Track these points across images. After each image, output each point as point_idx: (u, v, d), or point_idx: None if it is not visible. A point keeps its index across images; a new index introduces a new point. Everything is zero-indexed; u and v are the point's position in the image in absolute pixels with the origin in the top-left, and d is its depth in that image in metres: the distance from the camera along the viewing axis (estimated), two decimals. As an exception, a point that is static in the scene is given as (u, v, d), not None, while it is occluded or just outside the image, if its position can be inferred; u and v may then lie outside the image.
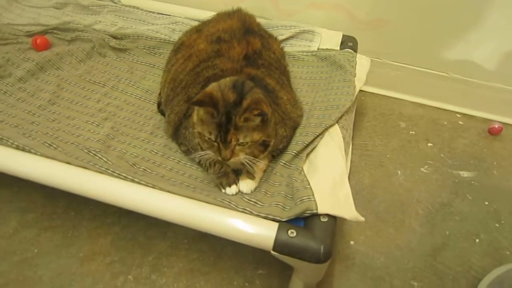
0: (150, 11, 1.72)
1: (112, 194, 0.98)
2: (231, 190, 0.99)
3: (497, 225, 1.34)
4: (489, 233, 1.31)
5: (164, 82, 1.26)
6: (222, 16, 1.32)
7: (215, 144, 0.92)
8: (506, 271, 1.13)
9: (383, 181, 1.46)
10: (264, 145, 0.97)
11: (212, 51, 1.16)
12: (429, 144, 1.63)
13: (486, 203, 1.41)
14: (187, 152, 1.10)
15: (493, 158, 1.58)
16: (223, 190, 1.00)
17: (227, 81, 0.94)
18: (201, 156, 0.99)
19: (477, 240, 1.28)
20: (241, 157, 0.94)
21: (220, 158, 0.93)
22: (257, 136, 0.93)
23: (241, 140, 0.91)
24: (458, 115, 1.78)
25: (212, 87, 0.93)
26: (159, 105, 1.30)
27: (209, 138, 0.92)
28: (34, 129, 1.15)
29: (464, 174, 1.51)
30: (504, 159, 1.58)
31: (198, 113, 0.94)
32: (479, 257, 1.24)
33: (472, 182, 1.48)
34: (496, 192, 1.44)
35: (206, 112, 0.91)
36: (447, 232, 1.30)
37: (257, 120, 0.91)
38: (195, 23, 1.49)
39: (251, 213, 0.92)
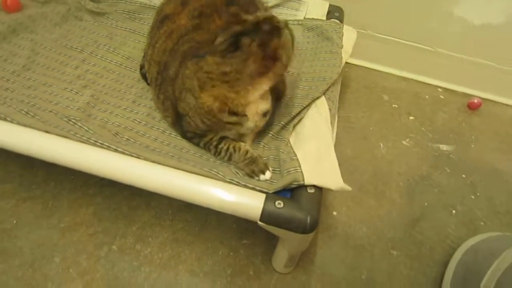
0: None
1: (95, 164, 0.95)
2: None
3: (472, 197, 1.39)
4: (465, 204, 1.36)
5: (149, 58, 1.16)
6: None
7: None
8: (481, 240, 1.17)
9: (366, 153, 1.48)
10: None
11: (191, 26, 1.11)
12: (411, 118, 1.65)
13: (463, 175, 1.45)
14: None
15: (471, 132, 1.62)
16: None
17: None
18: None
19: (454, 211, 1.33)
20: None
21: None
22: None
23: None
24: (440, 89, 1.81)
25: None
26: (141, 67, 1.25)
27: None
28: (8, 96, 1.08)
29: (444, 147, 1.55)
30: (482, 134, 1.62)
31: None
32: (455, 227, 1.29)
33: (451, 156, 1.52)
34: (473, 166, 1.49)
35: None
36: (426, 204, 1.34)
37: None
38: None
39: (238, 184, 0.92)
